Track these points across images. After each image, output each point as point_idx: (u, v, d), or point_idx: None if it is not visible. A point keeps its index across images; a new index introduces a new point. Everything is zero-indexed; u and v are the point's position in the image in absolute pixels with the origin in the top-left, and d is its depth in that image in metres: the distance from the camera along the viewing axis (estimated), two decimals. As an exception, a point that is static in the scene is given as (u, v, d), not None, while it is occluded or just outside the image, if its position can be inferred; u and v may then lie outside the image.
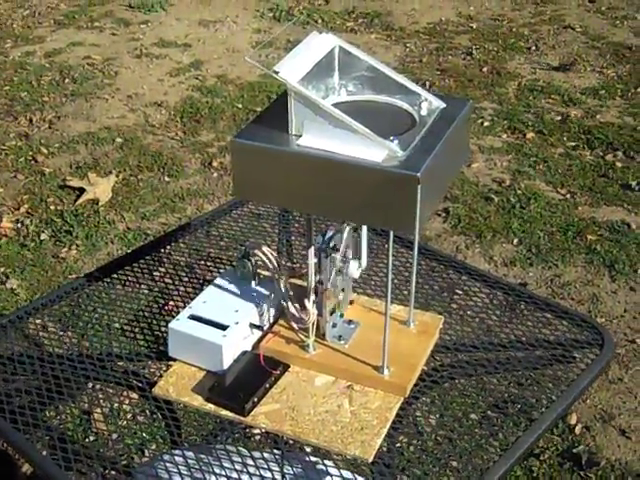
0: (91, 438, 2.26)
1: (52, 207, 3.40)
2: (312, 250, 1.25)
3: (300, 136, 1.12)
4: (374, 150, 1.07)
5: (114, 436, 2.29)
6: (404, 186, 1.05)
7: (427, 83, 4.48)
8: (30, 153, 3.81)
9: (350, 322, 1.38)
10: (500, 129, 4.03)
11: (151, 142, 3.90)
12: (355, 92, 1.22)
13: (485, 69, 4.72)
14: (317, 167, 1.09)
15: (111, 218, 3.31)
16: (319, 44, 1.18)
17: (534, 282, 2.94)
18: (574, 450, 2.23)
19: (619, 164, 3.67)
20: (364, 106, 1.19)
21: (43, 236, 3.21)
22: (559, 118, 4.11)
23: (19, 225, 3.28)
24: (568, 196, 3.46)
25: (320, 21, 5.46)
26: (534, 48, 5.00)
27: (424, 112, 1.16)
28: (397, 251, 1.65)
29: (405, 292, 1.50)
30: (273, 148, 1.11)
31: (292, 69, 1.11)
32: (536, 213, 3.33)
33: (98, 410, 1.42)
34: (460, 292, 1.56)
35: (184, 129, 4.02)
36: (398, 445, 1.64)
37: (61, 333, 1.61)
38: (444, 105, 1.18)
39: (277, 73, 1.09)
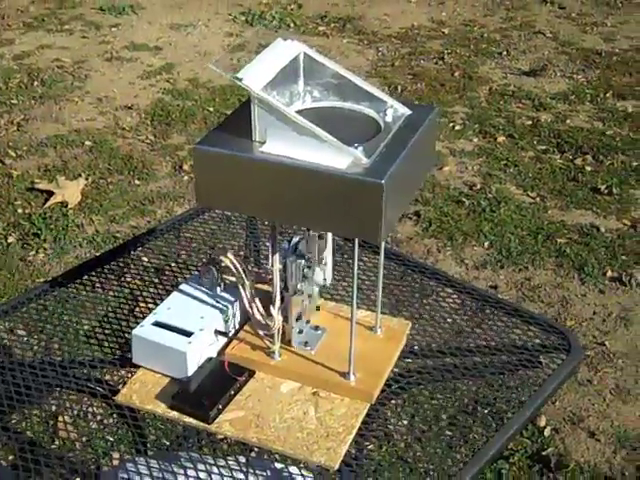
0: (57, 443, 2.24)
1: (20, 210, 3.36)
2: (277, 256, 1.24)
3: (264, 143, 1.11)
4: (338, 157, 1.07)
5: (81, 440, 2.27)
6: (368, 193, 1.04)
7: (399, 87, 4.49)
8: (-2, 156, 3.77)
9: (317, 328, 1.37)
10: (471, 133, 4.04)
11: (121, 145, 3.87)
12: (320, 98, 1.22)
13: (457, 74, 4.74)
14: (280, 174, 1.09)
15: (80, 221, 3.28)
16: (284, 50, 1.18)
17: (504, 285, 2.95)
18: (543, 452, 2.24)
19: (588, 168, 3.70)
20: (329, 113, 1.19)
21: (10, 239, 3.17)
22: (530, 122, 4.14)
23: (-14, 228, 3.25)
24: (538, 199, 3.48)
25: (292, 25, 5.46)
26: (505, 53, 5.03)
27: (389, 119, 1.16)
28: (365, 256, 1.65)
29: (373, 297, 1.50)
30: (236, 155, 1.10)
31: (256, 76, 1.10)
32: (506, 216, 3.35)
33: (64, 415, 1.41)
34: (429, 297, 1.56)
35: (155, 132, 4.00)
36: (368, 448, 1.64)
37: (27, 338, 1.59)
38: (410, 112, 1.17)
39: (240, 80, 1.08)
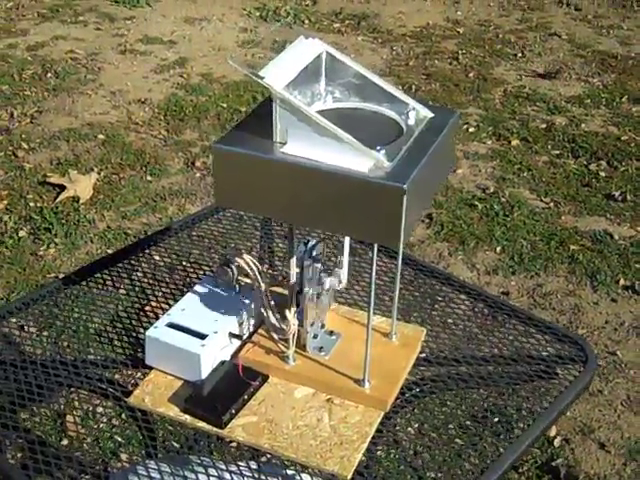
0: (65, 442, 2.22)
1: (32, 204, 3.35)
2: (294, 260, 1.22)
3: (284, 143, 1.09)
4: (360, 160, 1.05)
5: (89, 440, 2.26)
6: (390, 198, 1.02)
7: (413, 87, 4.47)
8: (10, 148, 3.75)
9: (331, 333, 1.35)
10: (485, 135, 4.01)
11: (134, 140, 3.85)
12: (342, 99, 1.20)
13: (471, 74, 4.71)
14: (301, 176, 1.07)
15: (91, 217, 3.27)
16: (306, 49, 1.16)
17: (516, 291, 2.92)
18: (553, 463, 2.22)
19: (603, 174, 3.67)
20: (350, 114, 1.17)
21: (22, 233, 3.16)
22: (544, 126, 4.10)
23: (-3, 221, 3.24)
24: (552, 205, 3.45)
25: (307, 22, 5.43)
26: (520, 55, 5.00)
27: (411, 121, 1.14)
28: (380, 260, 1.62)
29: (387, 299, 1.48)
30: (256, 155, 1.08)
31: (278, 75, 1.08)
32: (519, 221, 3.32)
33: (72, 414, 1.39)
34: (442, 303, 1.54)
35: (167, 127, 3.98)
36: (377, 455, 1.62)
37: (38, 334, 1.58)
38: (432, 115, 1.15)
39: (262, 79, 1.06)
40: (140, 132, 3.92)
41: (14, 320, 1.51)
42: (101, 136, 3.86)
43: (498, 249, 3.15)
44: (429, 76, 4.67)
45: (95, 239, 3.13)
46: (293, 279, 1.24)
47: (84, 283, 1.57)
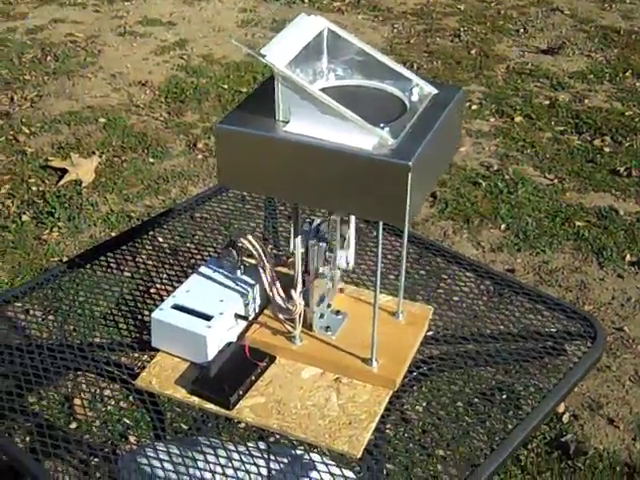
0: (73, 425, 2.23)
1: (34, 188, 3.34)
2: (299, 240, 1.21)
3: (287, 122, 1.08)
4: (364, 137, 1.04)
5: (97, 422, 2.26)
6: (395, 175, 1.01)
7: (415, 65, 4.44)
8: (11, 132, 3.74)
9: (338, 313, 1.35)
10: (488, 112, 3.99)
11: (135, 122, 3.84)
12: (344, 77, 1.18)
13: (473, 51, 4.68)
14: (304, 154, 1.06)
15: (94, 200, 3.26)
16: (307, 26, 1.14)
17: (522, 268, 2.91)
18: (562, 439, 2.22)
19: (607, 149, 3.65)
20: (353, 91, 1.16)
21: (24, 217, 3.15)
22: (547, 102, 4.08)
23: (0, 206, 3.22)
24: (556, 181, 3.43)
25: (307, 0, 5.39)
26: (522, 31, 4.96)
27: (415, 98, 1.12)
28: (385, 238, 1.61)
29: (392, 278, 1.47)
30: (259, 134, 1.07)
31: (279, 52, 1.06)
32: (524, 198, 3.30)
33: (80, 397, 1.39)
34: (448, 280, 1.53)
35: (169, 109, 3.96)
36: (386, 432, 1.61)
37: (43, 318, 1.58)
38: (436, 91, 1.14)
39: (264, 57, 1.05)
40: (141, 115, 3.90)
41: (19, 304, 1.51)
42: (102, 119, 3.85)
43: (503, 227, 3.13)
44: (431, 54, 4.64)
45: (98, 222, 3.12)
46: (298, 259, 1.23)
47: (88, 266, 1.56)
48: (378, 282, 1.18)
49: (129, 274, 1.57)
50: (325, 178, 1.06)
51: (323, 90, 1.12)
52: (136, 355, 1.38)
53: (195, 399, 1.23)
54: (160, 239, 1.72)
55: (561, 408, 2.30)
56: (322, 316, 1.32)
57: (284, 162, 1.07)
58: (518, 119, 3.93)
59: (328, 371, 1.28)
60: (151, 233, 1.67)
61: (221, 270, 1.38)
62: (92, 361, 1.35)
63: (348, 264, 1.29)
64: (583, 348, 1.33)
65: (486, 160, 3.59)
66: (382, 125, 1.04)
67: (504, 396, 1.45)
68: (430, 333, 1.36)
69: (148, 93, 4.11)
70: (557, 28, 4.99)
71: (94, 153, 3.54)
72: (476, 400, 1.70)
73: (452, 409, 1.54)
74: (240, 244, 1.34)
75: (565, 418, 2.28)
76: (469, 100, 4.09)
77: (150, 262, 1.59)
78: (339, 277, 1.37)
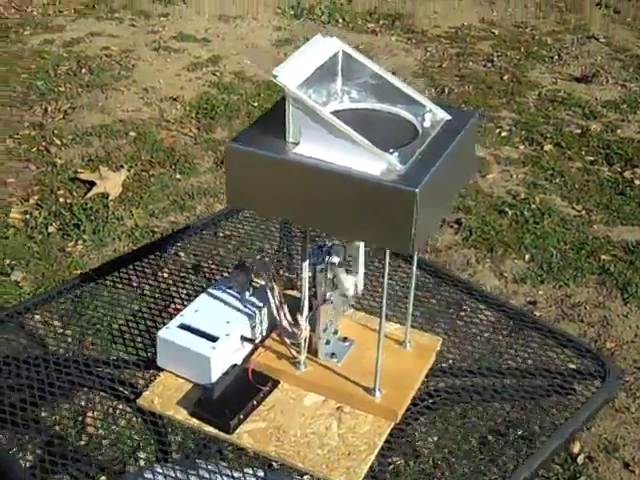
0: (84, 440, 2.22)
1: (62, 199, 3.36)
2: (307, 264, 1.19)
3: (297, 144, 1.07)
4: (373, 162, 1.02)
5: (109, 438, 2.25)
6: (401, 202, 0.99)
7: (446, 89, 4.41)
8: (43, 144, 3.78)
9: (345, 339, 1.33)
10: (518, 140, 3.96)
11: (165, 137, 3.85)
12: (358, 99, 1.17)
13: (505, 77, 4.65)
14: (312, 177, 1.04)
15: (120, 214, 3.27)
16: (322, 48, 1.13)
17: (544, 301, 2.87)
18: (576, 481, 2.17)
19: (637, 182, 3.59)
20: (366, 115, 1.14)
21: (51, 229, 3.17)
22: (578, 131, 4.03)
23: (27, 216, 3.25)
24: (583, 213, 3.38)
25: (341, 21, 5.41)
26: (557, 57, 4.92)
27: (427, 124, 1.11)
28: (399, 265, 1.59)
29: (404, 307, 1.45)
30: (267, 155, 1.06)
31: (292, 73, 1.06)
32: (550, 229, 3.26)
33: (92, 412, 1.39)
34: (462, 313, 1.50)
35: (198, 125, 3.98)
36: (395, 464, 1.59)
37: (61, 332, 1.57)
38: (449, 117, 1.12)
39: (276, 77, 1.04)
40: (171, 130, 3.92)
41: (39, 317, 1.51)
42: (132, 133, 3.87)
43: (527, 257, 3.09)
44: (462, 78, 4.62)
45: (123, 236, 3.13)
46: (306, 283, 1.21)
47: (109, 279, 1.56)
48: (384, 309, 1.17)
49: (149, 290, 1.56)
50: (332, 202, 1.04)
51: (336, 112, 1.11)
52: (144, 373, 1.37)
53: (195, 421, 1.22)
54: (182, 255, 1.72)
55: (576, 448, 2.24)
56: (328, 342, 1.30)
57: (292, 184, 1.06)
58: (548, 147, 3.89)
59: (331, 399, 1.26)
60: (173, 249, 1.66)
61: (230, 291, 1.37)
62: (97, 377, 1.34)
63: (356, 290, 1.27)
64: (592, 388, 1.30)
65: (513, 188, 3.55)
66: (391, 150, 1.03)
67: (519, 432, 1.41)
68: (439, 365, 1.33)
69: (179, 108, 4.13)
70: (592, 56, 4.94)
71: (122, 167, 3.56)
72: (490, 437, 1.67)
73: (464, 443, 1.51)
74: (250, 265, 1.33)
75: (580, 459, 2.21)
76: (499, 126, 4.06)
77: (170, 279, 1.58)
78: (348, 303, 1.35)
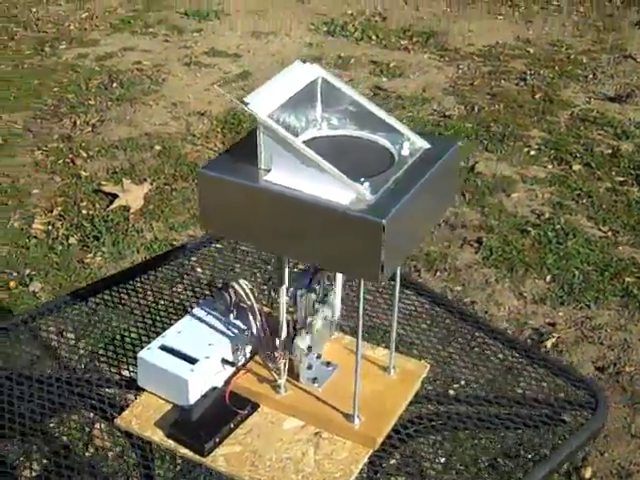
0: (90, 452, 2.24)
1: (84, 211, 3.40)
2: (283, 289, 1.19)
3: (269, 171, 1.07)
4: (342, 191, 1.01)
5: (113, 452, 2.26)
6: (369, 232, 0.98)
7: (476, 107, 4.38)
8: (70, 155, 3.83)
9: (328, 364, 1.31)
10: (546, 159, 3.91)
11: (189, 152, 3.88)
12: (338, 126, 1.16)
13: (538, 96, 4.60)
14: (281, 205, 1.04)
15: (140, 226, 3.30)
16: (300, 75, 1.13)
17: (563, 322, 2.82)
18: (585, 507, 2.12)
19: (667, 203, 3.52)
20: (343, 142, 1.13)
21: (71, 240, 3.21)
22: (609, 151, 3.97)
23: (50, 227, 3.29)
24: (609, 234, 3.32)
25: (374, 38, 5.40)
26: (591, 77, 4.86)
27: (405, 152, 1.10)
28: (403, 292, 1.57)
29: (402, 333, 1.44)
30: (237, 182, 1.06)
31: (263, 101, 1.05)
32: (573, 250, 3.21)
33: (98, 425, 1.41)
34: (458, 341, 1.48)
35: (224, 140, 4.00)
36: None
37: (74, 344, 1.59)
38: (428, 146, 1.11)
39: (247, 104, 1.04)
40: (196, 144, 3.95)
41: (53, 328, 1.52)
42: (157, 146, 3.91)
43: (548, 278, 3.04)
44: (494, 96, 4.58)
45: (141, 249, 3.16)
46: (283, 308, 1.21)
47: (124, 289, 1.59)
48: (359, 333, 1.15)
49: (163, 302, 1.57)
50: (302, 230, 1.04)
51: (313, 140, 1.10)
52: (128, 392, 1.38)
53: (172, 443, 1.22)
54: (198, 269, 1.73)
55: (588, 473, 2.20)
56: (310, 367, 1.29)
57: (262, 211, 1.06)
58: (577, 167, 3.83)
59: (310, 424, 1.24)
60: (189, 262, 1.67)
61: (215, 313, 1.36)
62: (80, 396, 1.35)
63: (335, 315, 1.26)
64: (580, 419, 1.27)
65: (538, 208, 3.50)
66: (362, 180, 1.02)
67: (529, 455, 1.39)
68: (423, 391, 1.32)
69: (206, 123, 4.16)
70: (627, 76, 4.87)
71: (146, 180, 3.60)
72: (499, 460, 1.64)
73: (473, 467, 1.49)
74: (233, 287, 1.32)
75: (591, 485, 2.18)
76: (528, 145, 4.02)
77: (183, 291, 1.60)
78: (332, 327, 1.34)
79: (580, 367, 2.60)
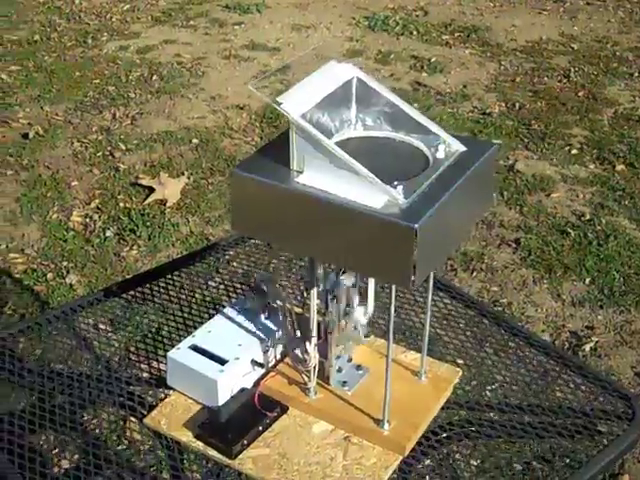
0: (124, 445, 2.24)
1: (121, 204, 3.41)
2: (314, 291, 1.17)
3: (301, 172, 1.05)
4: (375, 194, 0.99)
5: (146, 446, 2.27)
6: (401, 237, 0.96)
7: (517, 105, 4.32)
8: (109, 148, 3.85)
9: (358, 367, 1.30)
10: (588, 158, 3.84)
11: (227, 145, 3.88)
12: (373, 127, 1.14)
13: (581, 93, 4.52)
14: (312, 207, 1.02)
15: (176, 220, 3.30)
16: (335, 74, 1.11)
17: (602, 326, 2.77)
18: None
19: None
20: (377, 144, 1.11)
21: (108, 233, 3.23)
22: (653, 151, 3.89)
23: (87, 220, 3.31)
24: (652, 236, 3.26)
25: (415, 32, 5.36)
26: (637, 74, 4.76)
27: (440, 155, 1.07)
28: (436, 295, 1.55)
29: (439, 341, 1.41)
30: (269, 183, 1.04)
31: (298, 100, 1.03)
32: (614, 252, 3.14)
33: (130, 420, 1.41)
34: (491, 346, 1.45)
35: (262, 134, 3.99)
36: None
37: (108, 337, 1.59)
38: (464, 149, 1.08)
39: (280, 104, 1.02)
40: (234, 138, 3.95)
41: (91, 320, 1.52)
42: (195, 140, 3.91)
43: (587, 280, 2.99)
44: (535, 93, 4.51)
45: (177, 243, 3.16)
46: (314, 310, 1.19)
47: (158, 283, 1.58)
48: (390, 338, 1.13)
49: (199, 296, 1.57)
50: (332, 233, 1.02)
51: (347, 140, 1.08)
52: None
53: (200, 444, 1.21)
54: (234, 263, 1.72)
55: (624, 481, 2.16)
56: (340, 370, 1.27)
57: (293, 213, 1.04)
58: (620, 167, 3.76)
59: (339, 428, 1.23)
60: (225, 256, 1.67)
61: (246, 313, 1.35)
62: (109, 393, 1.35)
63: (367, 317, 1.24)
64: (618, 430, 1.23)
65: (579, 209, 3.44)
66: (396, 183, 0.99)
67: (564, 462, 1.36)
68: (454, 397, 1.29)
69: (244, 117, 4.16)
70: (674, 73, 4.77)
71: (183, 174, 3.60)
72: (534, 463, 1.61)
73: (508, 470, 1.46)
74: (265, 287, 1.31)
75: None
76: (569, 144, 3.95)
77: (221, 287, 1.59)
78: (363, 330, 1.32)
79: (619, 372, 2.55)
